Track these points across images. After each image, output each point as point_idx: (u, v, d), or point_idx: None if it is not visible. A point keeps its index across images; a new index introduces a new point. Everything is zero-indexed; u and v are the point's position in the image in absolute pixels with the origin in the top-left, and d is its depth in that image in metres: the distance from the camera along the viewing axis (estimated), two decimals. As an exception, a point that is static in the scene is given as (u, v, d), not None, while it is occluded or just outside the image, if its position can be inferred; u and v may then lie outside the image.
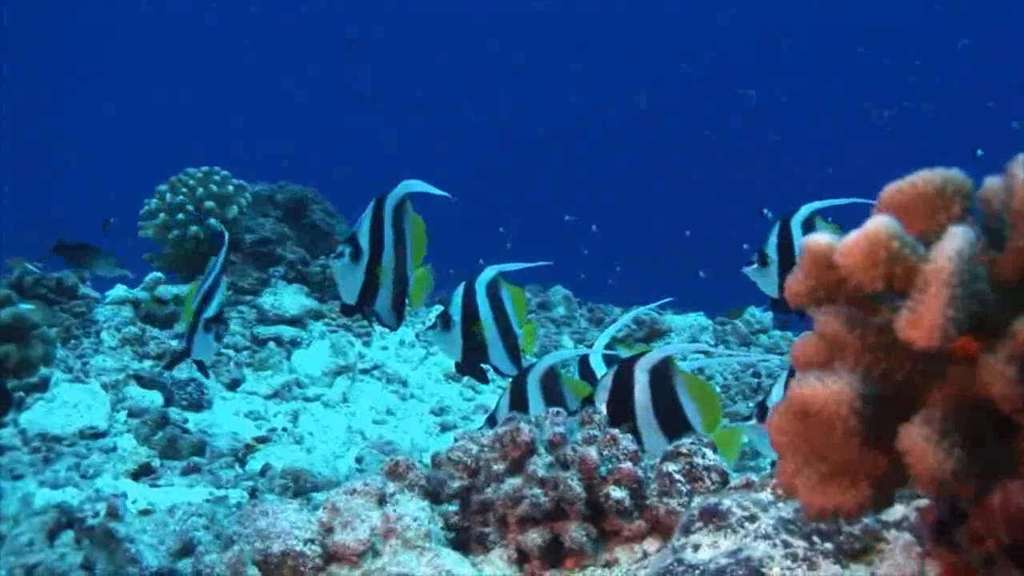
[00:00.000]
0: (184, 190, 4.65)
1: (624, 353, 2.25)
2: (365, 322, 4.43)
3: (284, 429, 3.18)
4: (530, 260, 2.46)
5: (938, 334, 0.62)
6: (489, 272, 2.37)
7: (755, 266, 2.50)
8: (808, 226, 2.45)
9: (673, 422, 1.87)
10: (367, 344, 4.18)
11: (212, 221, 4.62)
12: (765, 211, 4.77)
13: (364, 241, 2.12)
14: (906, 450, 0.64)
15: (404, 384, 3.86)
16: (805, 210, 2.47)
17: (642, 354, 1.92)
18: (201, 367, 2.52)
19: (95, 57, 20.16)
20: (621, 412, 1.86)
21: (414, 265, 2.21)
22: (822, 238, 0.74)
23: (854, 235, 0.67)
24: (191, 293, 2.40)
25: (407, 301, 2.25)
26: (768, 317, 5.28)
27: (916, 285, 0.64)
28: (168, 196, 4.64)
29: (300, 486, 2.43)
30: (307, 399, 3.54)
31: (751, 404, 3.93)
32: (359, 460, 2.91)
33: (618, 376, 1.90)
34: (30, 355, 2.05)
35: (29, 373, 2.10)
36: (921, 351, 0.64)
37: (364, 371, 3.88)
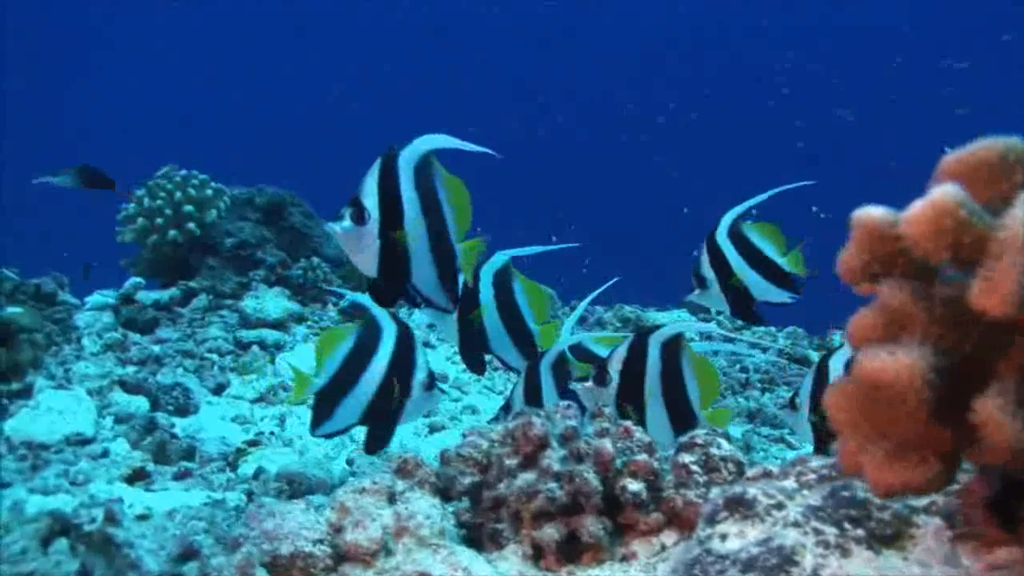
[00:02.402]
0: (162, 194, 4.59)
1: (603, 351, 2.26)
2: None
3: (272, 433, 3.14)
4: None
5: (1014, 301, 0.60)
6: (499, 258, 2.29)
7: (696, 291, 2.50)
8: (735, 235, 2.43)
9: (674, 393, 2.00)
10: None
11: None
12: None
13: (369, 201, 1.83)
14: (982, 421, 0.62)
15: (390, 386, 3.82)
16: (726, 221, 2.43)
17: (658, 327, 2.03)
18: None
19: (70, 61, 19.98)
20: (633, 379, 1.99)
21: (459, 234, 1.91)
22: (875, 210, 0.72)
23: (919, 204, 0.65)
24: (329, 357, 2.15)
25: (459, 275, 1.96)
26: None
27: (989, 253, 0.62)
28: (146, 201, 4.58)
29: (295, 488, 2.39)
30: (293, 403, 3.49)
31: (739, 399, 3.93)
32: (350, 462, 2.87)
33: (632, 346, 2.01)
34: (19, 359, 2.00)
35: (18, 377, 2.06)
36: (993, 321, 0.62)
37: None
